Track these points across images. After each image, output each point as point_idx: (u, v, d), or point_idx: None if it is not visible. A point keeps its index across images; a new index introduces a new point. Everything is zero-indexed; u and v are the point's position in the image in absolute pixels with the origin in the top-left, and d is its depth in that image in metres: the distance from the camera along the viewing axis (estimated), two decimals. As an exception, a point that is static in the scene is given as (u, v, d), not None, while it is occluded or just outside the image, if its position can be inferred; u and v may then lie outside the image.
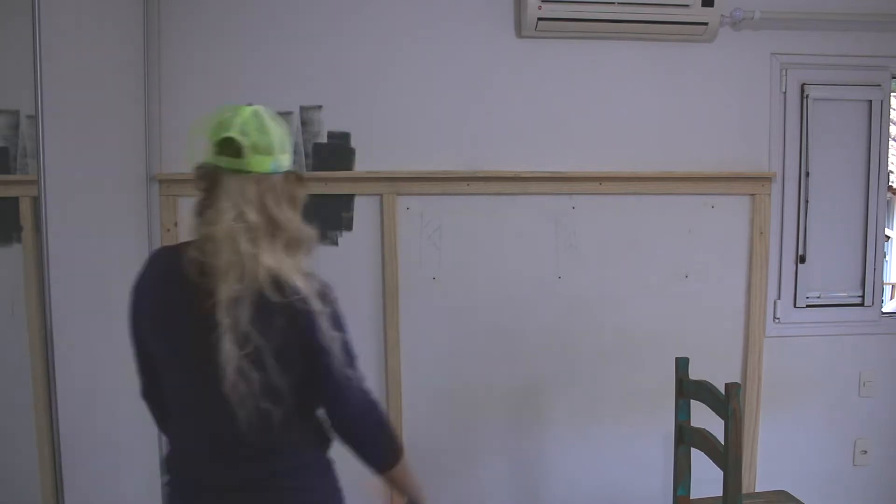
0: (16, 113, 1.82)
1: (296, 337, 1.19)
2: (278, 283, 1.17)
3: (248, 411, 1.15)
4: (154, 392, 1.36)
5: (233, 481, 1.24)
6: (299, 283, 1.19)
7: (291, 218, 1.24)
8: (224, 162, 1.20)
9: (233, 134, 1.19)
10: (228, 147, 1.20)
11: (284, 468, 1.26)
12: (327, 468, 1.36)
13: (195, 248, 1.20)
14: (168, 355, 1.26)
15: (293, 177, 1.28)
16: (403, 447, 1.43)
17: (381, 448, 1.37)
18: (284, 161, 1.25)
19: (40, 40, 1.66)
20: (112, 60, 2.14)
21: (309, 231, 1.27)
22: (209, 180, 1.23)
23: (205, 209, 1.22)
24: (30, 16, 1.64)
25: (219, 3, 2.40)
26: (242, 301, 1.15)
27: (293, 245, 1.23)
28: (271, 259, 1.18)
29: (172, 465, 1.32)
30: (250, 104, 1.25)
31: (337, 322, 1.24)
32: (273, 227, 1.20)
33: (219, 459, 1.24)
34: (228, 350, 1.13)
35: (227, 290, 1.15)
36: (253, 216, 1.18)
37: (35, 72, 1.65)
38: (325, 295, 1.22)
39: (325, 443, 1.37)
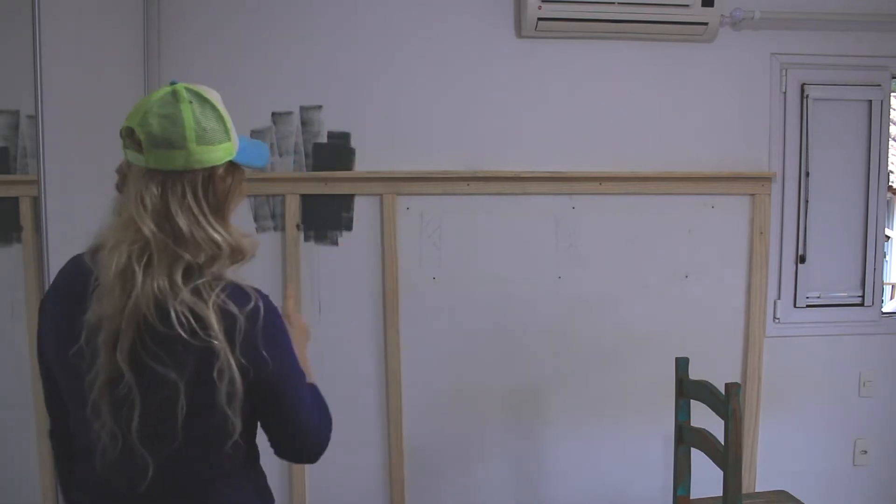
0: (16, 113, 1.82)
1: (191, 376, 0.95)
2: (163, 312, 0.93)
3: (119, 435, 0.95)
4: (61, 431, 1.12)
5: None
6: (197, 312, 0.94)
7: (206, 228, 0.99)
8: (130, 156, 1.00)
9: (131, 123, 0.98)
10: (130, 138, 0.98)
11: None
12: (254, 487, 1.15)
13: (90, 256, 1.01)
14: (66, 385, 1.04)
15: (226, 171, 1.02)
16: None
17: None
18: (209, 154, 0.98)
19: (40, 40, 1.66)
20: (112, 60, 2.14)
21: (238, 242, 1.03)
22: (122, 177, 1.03)
23: (115, 211, 1.02)
24: (30, 16, 1.64)
25: (219, 3, 2.40)
26: (123, 329, 0.93)
27: (209, 262, 0.99)
28: (159, 281, 0.94)
29: None
30: (173, 82, 1.00)
31: (269, 347, 1.00)
32: (176, 240, 0.96)
33: (114, 476, 1.00)
34: (98, 387, 0.94)
35: (98, 311, 0.94)
36: (147, 226, 0.95)
37: (35, 72, 1.65)
38: (238, 323, 0.97)
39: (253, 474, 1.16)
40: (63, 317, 1.01)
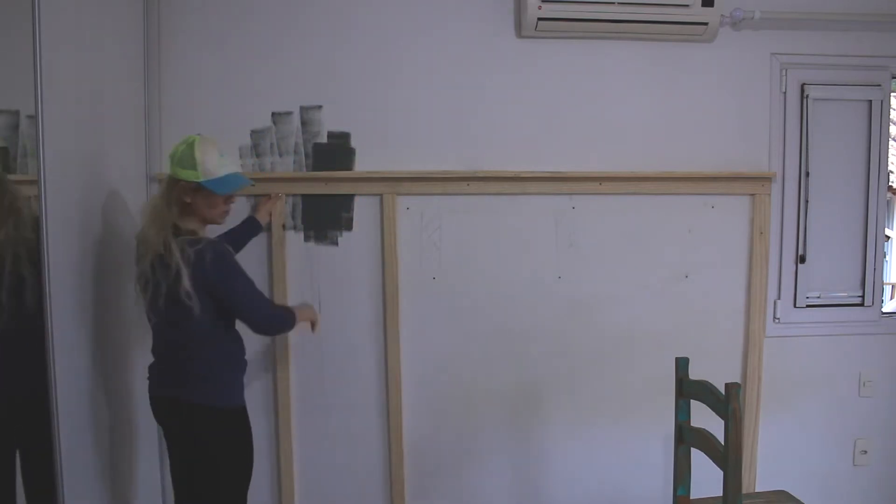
0: (16, 113, 1.82)
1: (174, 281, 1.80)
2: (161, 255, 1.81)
3: (160, 320, 1.88)
4: None
5: (160, 355, 1.97)
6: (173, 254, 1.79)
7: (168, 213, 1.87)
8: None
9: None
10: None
11: (188, 352, 1.89)
12: (221, 354, 1.93)
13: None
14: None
15: (185, 187, 1.87)
16: (291, 313, 2.03)
17: (285, 330, 2.07)
18: (181, 173, 1.85)
19: (40, 40, 1.66)
20: (112, 61, 2.15)
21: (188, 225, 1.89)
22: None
23: None
24: (30, 16, 1.64)
25: (219, 3, 2.40)
26: (146, 258, 1.84)
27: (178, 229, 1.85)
28: (160, 238, 1.81)
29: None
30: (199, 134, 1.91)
31: (215, 272, 1.81)
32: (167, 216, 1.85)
33: (156, 346, 1.97)
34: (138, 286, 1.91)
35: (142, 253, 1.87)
36: (160, 208, 1.89)
37: (35, 72, 1.65)
38: (196, 256, 1.79)
39: (228, 341, 1.96)
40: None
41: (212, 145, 1.87)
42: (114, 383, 2.12)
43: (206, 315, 1.84)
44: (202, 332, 1.87)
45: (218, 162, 1.86)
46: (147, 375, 1.99)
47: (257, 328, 1.95)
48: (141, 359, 2.32)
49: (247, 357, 2.02)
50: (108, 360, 2.08)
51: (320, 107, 2.45)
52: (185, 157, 1.84)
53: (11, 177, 1.85)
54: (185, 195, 1.85)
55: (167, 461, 2.42)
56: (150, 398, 1.97)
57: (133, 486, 2.25)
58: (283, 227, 2.44)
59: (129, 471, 2.22)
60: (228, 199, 1.94)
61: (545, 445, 2.59)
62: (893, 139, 4.48)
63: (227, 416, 1.92)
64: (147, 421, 2.35)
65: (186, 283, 1.77)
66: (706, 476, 2.04)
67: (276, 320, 2.00)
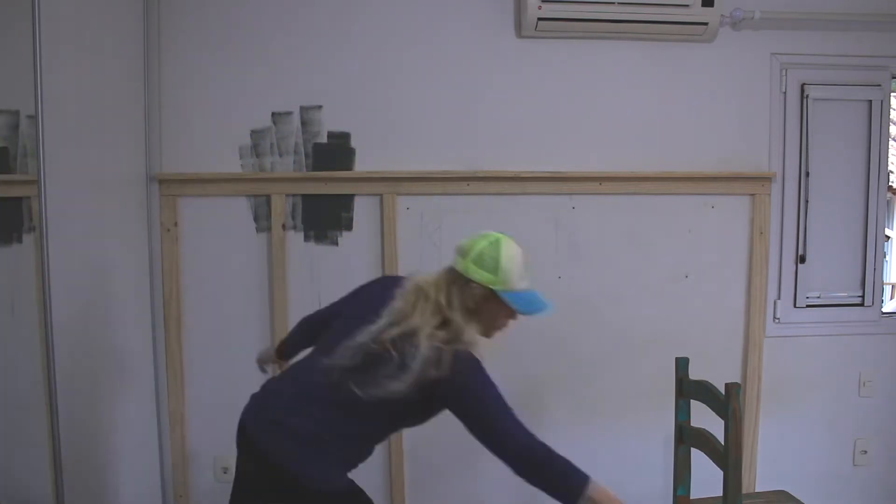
0: (16, 113, 1.82)
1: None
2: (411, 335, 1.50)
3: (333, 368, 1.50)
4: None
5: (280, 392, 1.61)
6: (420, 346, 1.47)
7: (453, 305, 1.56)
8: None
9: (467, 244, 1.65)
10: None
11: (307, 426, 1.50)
12: (334, 459, 1.54)
13: (406, 278, 1.64)
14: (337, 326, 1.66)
15: (477, 288, 1.56)
16: (582, 481, 1.63)
17: (552, 488, 1.63)
18: (476, 274, 1.56)
19: (40, 40, 1.66)
20: (112, 61, 2.15)
21: (470, 336, 1.55)
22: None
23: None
24: (30, 16, 1.64)
25: (219, 3, 2.40)
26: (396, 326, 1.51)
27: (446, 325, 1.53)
28: (423, 319, 1.52)
29: None
30: (503, 233, 1.66)
31: (468, 392, 1.56)
32: (442, 306, 1.54)
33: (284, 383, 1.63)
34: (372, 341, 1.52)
35: (393, 307, 1.55)
36: (440, 294, 1.57)
37: (35, 72, 1.66)
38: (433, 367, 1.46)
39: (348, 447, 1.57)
40: (376, 297, 1.60)
41: (519, 253, 1.60)
42: (115, 384, 2.12)
43: (382, 412, 1.51)
44: (351, 418, 1.51)
45: (520, 274, 1.57)
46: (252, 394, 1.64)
47: (516, 460, 1.63)
48: (143, 359, 2.32)
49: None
50: (108, 360, 2.08)
51: (320, 107, 2.45)
52: (488, 256, 1.55)
53: (11, 177, 1.85)
54: (471, 300, 1.54)
55: (167, 461, 2.43)
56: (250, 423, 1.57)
57: (133, 488, 2.25)
58: (283, 227, 2.44)
59: (129, 471, 2.22)
60: (512, 318, 1.64)
61: (545, 445, 2.59)
62: (893, 139, 4.48)
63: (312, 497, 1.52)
64: (147, 421, 2.35)
65: (410, 377, 1.45)
66: (706, 476, 2.04)
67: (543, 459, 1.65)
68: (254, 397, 1.61)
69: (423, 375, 1.45)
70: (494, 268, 1.54)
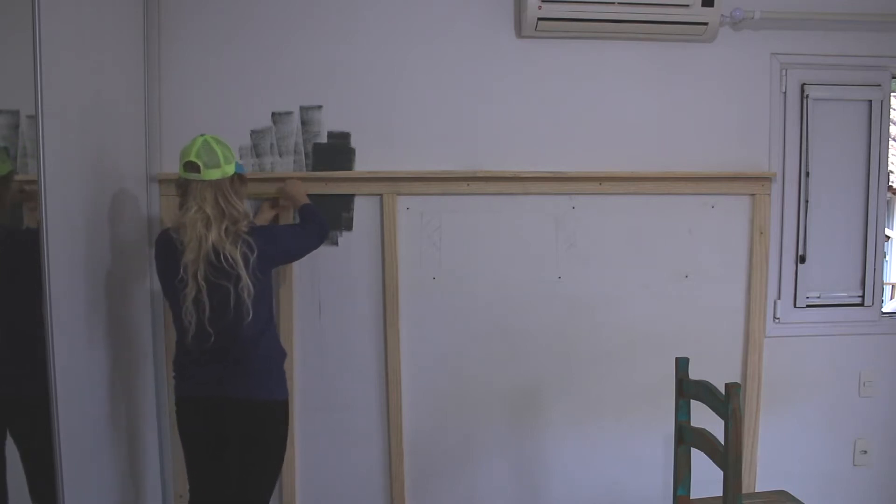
0: (16, 113, 1.82)
1: (234, 284, 1.86)
2: (217, 253, 1.84)
3: (198, 321, 1.86)
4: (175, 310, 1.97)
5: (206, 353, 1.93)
6: (229, 252, 1.84)
7: (235, 204, 1.90)
8: (190, 176, 1.88)
9: (192, 158, 1.87)
10: (191, 167, 1.88)
11: (240, 344, 1.92)
12: (277, 347, 2.05)
13: (174, 230, 1.91)
14: (173, 293, 1.92)
15: (236, 178, 1.95)
16: (314, 211, 2.19)
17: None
18: (228, 169, 1.91)
19: (40, 40, 1.66)
20: (112, 61, 2.15)
21: (246, 209, 1.95)
22: (183, 188, 1.92)
23: (181, 206, 1.91)
24: (30, 16, 1.64)
25: (219, 4, 2.40)
26: (198, 262, 1.83)
27: (233, 222, 1.88)
28: (215, 237, 1.84)
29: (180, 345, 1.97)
30: (202, 135, 1.93)
31: (273, 246, 1.96)
32: (220, 214, 1.86)
33: (195, 344, 1.90)
34: (188, 291, 1.84)
35: (189, 256, 1.84)
36: (208, 209, 1.85)
37: (35, 72, 1.66)
38: (250, 248, 1.86)
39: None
40: (168, 265, 1.91)
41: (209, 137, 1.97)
42: (115, 383, 2.12)
43: (264, 306, 1.95)
44: (259, 328, 1.92)
45: (228, 150, 1.98)
46: (174, 375, 1.99)
47: (320, 240, 2.14)
48: (142, 359, 2.32)
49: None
50: (109, 360, 2.08)
51: (320, 107, 2.45)
52: (227, 153, 1.93)
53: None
54: (241, 186, 1.99)
55: (167, 461, 2.43)
56: (188, 399, 1.96)
57: (133, 489, 2.25)
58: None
59: (129, 471, 2.22)
60: (245, 184, 2.08)
61: (545, 445, 2.59)
62: (893, 139, 4.48)
63: (284, 408, 2.01)
64: (146, 420, 2.35)
65: (248, 284, 1.85)
66: (706, 476, 2.05)
67: (321, 226, 2.15)
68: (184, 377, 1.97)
69: (247, 262, 1.85)
70: (231, 157, 1.94)
